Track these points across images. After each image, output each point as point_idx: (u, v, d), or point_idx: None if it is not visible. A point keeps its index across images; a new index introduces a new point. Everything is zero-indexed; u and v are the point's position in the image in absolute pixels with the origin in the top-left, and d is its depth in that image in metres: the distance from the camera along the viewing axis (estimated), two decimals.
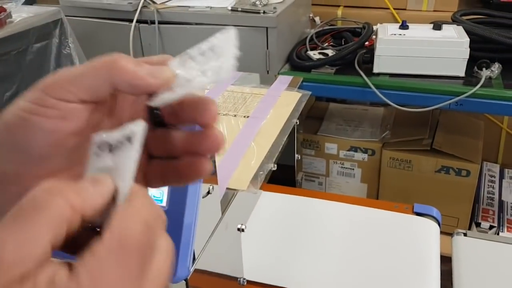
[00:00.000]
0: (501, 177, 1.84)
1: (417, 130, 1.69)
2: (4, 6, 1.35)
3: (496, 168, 1.88)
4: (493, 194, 1.76)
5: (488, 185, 1.80)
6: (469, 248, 0.97)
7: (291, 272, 0.83)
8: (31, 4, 1.55)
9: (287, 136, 0.88)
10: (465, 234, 0.99)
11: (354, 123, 1.84)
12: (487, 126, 1.84)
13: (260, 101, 0.98)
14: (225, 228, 0.69)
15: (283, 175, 1.12)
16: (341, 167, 1.80)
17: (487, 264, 0.94)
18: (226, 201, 0.71)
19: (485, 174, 1.85)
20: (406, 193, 1.70)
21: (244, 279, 0.79)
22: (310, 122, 1.88)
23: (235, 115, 0.94)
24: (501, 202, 1.72)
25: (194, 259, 0.57)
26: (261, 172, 0.77)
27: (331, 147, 1.77)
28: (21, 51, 1.39)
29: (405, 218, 0.98)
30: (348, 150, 1.75)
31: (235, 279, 0.79)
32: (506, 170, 1.87)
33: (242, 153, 0.81)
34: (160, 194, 0.54)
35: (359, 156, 1.75)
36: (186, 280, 0.57)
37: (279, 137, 0.87)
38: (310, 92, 1.03)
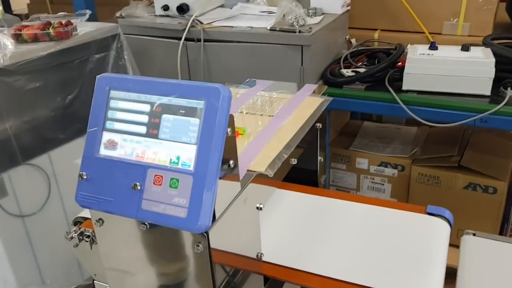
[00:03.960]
0: None
1: (446, 148, 1.75)
2: (72, 20, 1.54)
3: None
4: None
5: None
6: (477, 247, 1.01)
7: (303, 257, 0.92)
8: (93, 20, 1.74)
9: (305, 132, 0.98)
10: (474, 234, 1.04)
11: (386, 140, 1.92)
12: None
13: (284, 104, 1.10)
14: (243, 202, 0.80)
15: (307, 178, 1.22)
16: (372, 182, 1.87)
17: (493, 263, 0.99)
18: (246, 181, 0.82)
19: None
20: None
21: (261, 253, 0.88)
22: (343, 138, 1.96)
23: (261, 115, 1.06)
24: None
25: (214, 218, 0.68)
26: (277, 159, 0.88)
27: (362, 162, 1.85)
28: (83, 60, 1.58)
29: (418, 216, 1.04)
30: (379, 165, 1.82)
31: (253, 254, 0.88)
32: None
33: (264, 144, 0.92)
34: (188, 160, 0.66)
35: (389, 171, 1.81)
36: (207, 233, 0.67)
37: (298, 132, 0.97)
38: (331, 98, 1.12)
